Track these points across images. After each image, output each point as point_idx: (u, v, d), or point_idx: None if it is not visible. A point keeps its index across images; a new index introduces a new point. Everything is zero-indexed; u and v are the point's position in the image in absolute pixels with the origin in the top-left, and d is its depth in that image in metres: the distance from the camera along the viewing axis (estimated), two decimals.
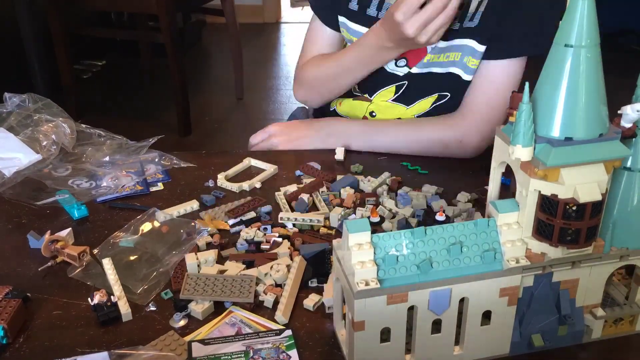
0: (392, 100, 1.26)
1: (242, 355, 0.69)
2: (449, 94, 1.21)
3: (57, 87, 2.99)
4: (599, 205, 0.64)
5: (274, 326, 0.76)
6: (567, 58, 0.61)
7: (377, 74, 1.20)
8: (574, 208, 0.63)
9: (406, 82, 1.22)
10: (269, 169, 1.13)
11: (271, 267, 0.84)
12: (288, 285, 0.81)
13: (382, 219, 0.97)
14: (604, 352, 0.74)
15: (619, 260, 0.71)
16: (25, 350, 0.74)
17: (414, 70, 1.19)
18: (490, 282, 0.66)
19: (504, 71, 1.13)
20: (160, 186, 1.10)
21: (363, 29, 1.17)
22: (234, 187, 1.08)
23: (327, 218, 0.97)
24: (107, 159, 1.14)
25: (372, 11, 1.17)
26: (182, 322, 0.77)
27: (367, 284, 0.63)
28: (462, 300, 0.68)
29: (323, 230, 0.95)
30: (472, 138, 1.15)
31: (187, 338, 0.74)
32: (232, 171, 1.13)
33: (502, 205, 0.67)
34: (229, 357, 0.69)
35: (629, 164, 0.68)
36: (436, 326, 0.68)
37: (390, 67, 1.21)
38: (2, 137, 1.13)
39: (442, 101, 1.22)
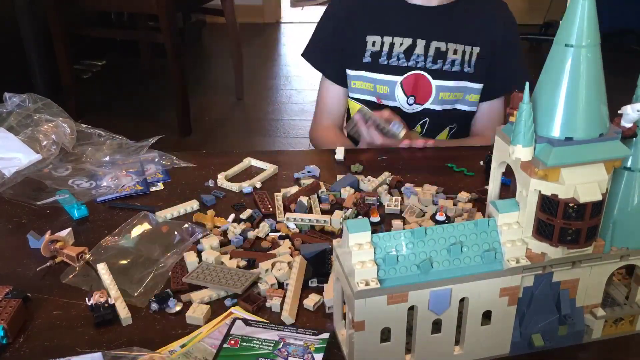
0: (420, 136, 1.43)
1: (272, 344, 0.70)
2: (456, 125, 1.45)
3: (57, 87, 2.99)
4: (599, 205, 0.64)
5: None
6: (568, 58, 0.61)
7: (401, 116, 1.34)
8: (574, 208, 0.63)
9: (427, 119, 1.41)
10: (269, 169, 1.13)
11: (273, 265, 0.84)
12: (291, 285, 0.81)
13: (382, 219, 0.97)
14: (604, 352, 0.74)
15: (619, 260, 0.71)
16: (25, 350, 0.74)
17: (432, 106, 1.39)
18: (491, 282, 0.66)
19: (494, 106, 1.43)
20: (160, 186, 1.10)
21: (379, 76, 1.39)
22: (234, 186, 1.08)
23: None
24: (107, 159, 1.14)
25: (383, 60, 1.37)
26: (178, 307, 0.79)
27: (367, 284, 0.63)
28: (462, 300, 0.67)
29: (326, 228, 0.95)
30: None
31: (186, 339, 0.74)
32: (232, 171, 1.13)
33: (502, 205, 0.67)
34: (260, 342, 0.70)
35: (629, 164, 0.68)
36: (436, 326, 0.68)
37: (406, 107, 1.40)
38: (2, 137, 1.13)
39: (452, 132, 1.46)
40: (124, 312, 0.78)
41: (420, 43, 1.36)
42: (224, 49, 3.83)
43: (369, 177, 1.09)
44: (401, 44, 1.37)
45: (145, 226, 0.95)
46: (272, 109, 3.44)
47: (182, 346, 0.73)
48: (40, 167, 1.12)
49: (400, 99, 1.40)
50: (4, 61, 2.91)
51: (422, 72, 1.37)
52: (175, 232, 0.93)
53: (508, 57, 1.40)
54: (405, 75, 1.38)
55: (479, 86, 1.40)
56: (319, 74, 1.49)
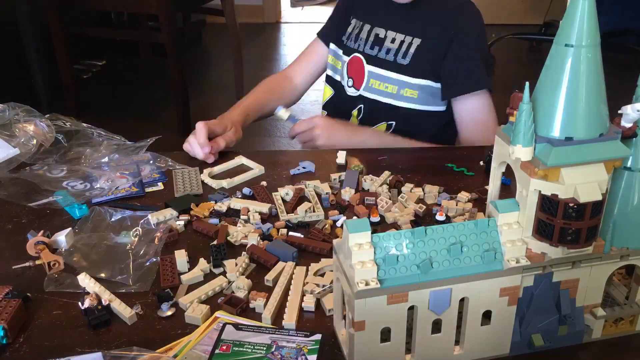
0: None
1: (265, 348, 0.69)
2: (394, 122, 1.36)
3: (57, 87, 2.99)
4: (599, 205, 0.64)
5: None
6: (568, 58, 0.61)
7: (342, 98, 1.41)
8: (574, 208, 0.63)
9: (362, 105, 1.39)
10: (255, 169, 1.13)
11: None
12: (279, 287, 0.82)
13: (382, 219, 0.97)
14: (604, 352, 0.74)
15: (619, 260, 0.71)
16: (25, 350, 0.74)
17: (364, 93, 1.38)
18: (491, 282, 0.66)
19: (475, 105, 1.30)
20: (160, 186, 1.09)
21: (341, 54, 1.43)
22: (213, 183, 1.09)
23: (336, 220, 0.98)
24: (104, 160, 1.13)
25: (345, 39, 1.42)
26: (170, 312, 0.79)
27: (367, 283, 0.63)
28: (462, 300, 0.67)
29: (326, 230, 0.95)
30: None
31: (177, 348, 0.73)
32: (218, 168, 1.14)
33: (502, 205, 0.67)
34: (252, 347, 0.70)
35: (629, 163, 0.68)
36: (436, 326, 0.68)
37: (347, 90, 1.42)
38: None
39: (391, 129, 1.37)
40: (127, 312, 0.78)
41: (366, 28, 1.38)
42: (224, 49, 3.82)
43: (371, 175, 1.09)
44: (356, 27, 1.41)
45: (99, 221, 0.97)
46: None
47: (175, 356, 0.72)
48: (35, 169, 1.11)
49: (345, 79, 1.42)
50: (4, 61, 2.91)
51: (359, 55, 1.38)
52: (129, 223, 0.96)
53: (461, 56, 1.29)
54: (350, 56, 1.40)
55: (416, 81, 1.32)
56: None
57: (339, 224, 0.97)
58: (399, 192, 1.05)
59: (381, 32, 1.35)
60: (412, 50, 1.31)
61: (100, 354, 0.69)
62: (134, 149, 1.16)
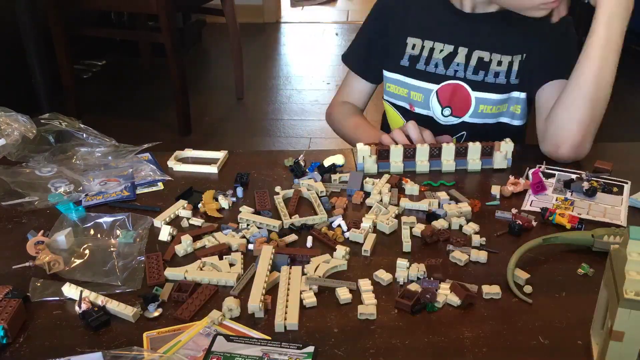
0: None
1: None
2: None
3: (57, 87, 2.99)
4: None
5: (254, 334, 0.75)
6: None
7: (435, 129, 1.23)
8: None
9: (464, 132, 1.31)
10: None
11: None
12: (281, 293, 0.81)
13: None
14: None
15: None
16: (25, 350, 0.74)
17: (470, 120, 1.30)
18: None
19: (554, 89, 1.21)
20: (160, 186, 1.09)
21: (414, 82, 1.31)
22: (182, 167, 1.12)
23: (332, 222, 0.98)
24: (97, 162, 1.12)
25: (420, 65, 1.30)
26: (157, 313, 0.78)
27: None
28: None
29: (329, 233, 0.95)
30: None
31: (162, 349, 0.73)
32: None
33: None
34: (243, 359, 0.69)
35: None
36: None
37: (440, 119, 1.31)
38: None
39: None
40: (128, 310, 0.78)
41: (462, 51, 1.27)
42: (224, 49, 3.83)
43: (371, 179, 1.09)
44: (441, 50, 1.28)
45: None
46: (272, 109, 3.45)
47: (165, 352, 0.72)
48: (30, 166, 1.10)
49: (435, 109, 1.31)
50: (4, 61, 2.91)
51: (460, 82, 1.27)
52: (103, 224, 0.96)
53: (564, 44, 1.24)
54: (441, 84, 1.29)
55: (523, 95, 1.28)
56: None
57: (335, 224, 0.97)
58: (400, 191, 1.05)
59: (485, 55, 1.25)
60: (515, 67, 1.25)
61: (100, 354, 0.70)
62: (128, 152, 1.14)
